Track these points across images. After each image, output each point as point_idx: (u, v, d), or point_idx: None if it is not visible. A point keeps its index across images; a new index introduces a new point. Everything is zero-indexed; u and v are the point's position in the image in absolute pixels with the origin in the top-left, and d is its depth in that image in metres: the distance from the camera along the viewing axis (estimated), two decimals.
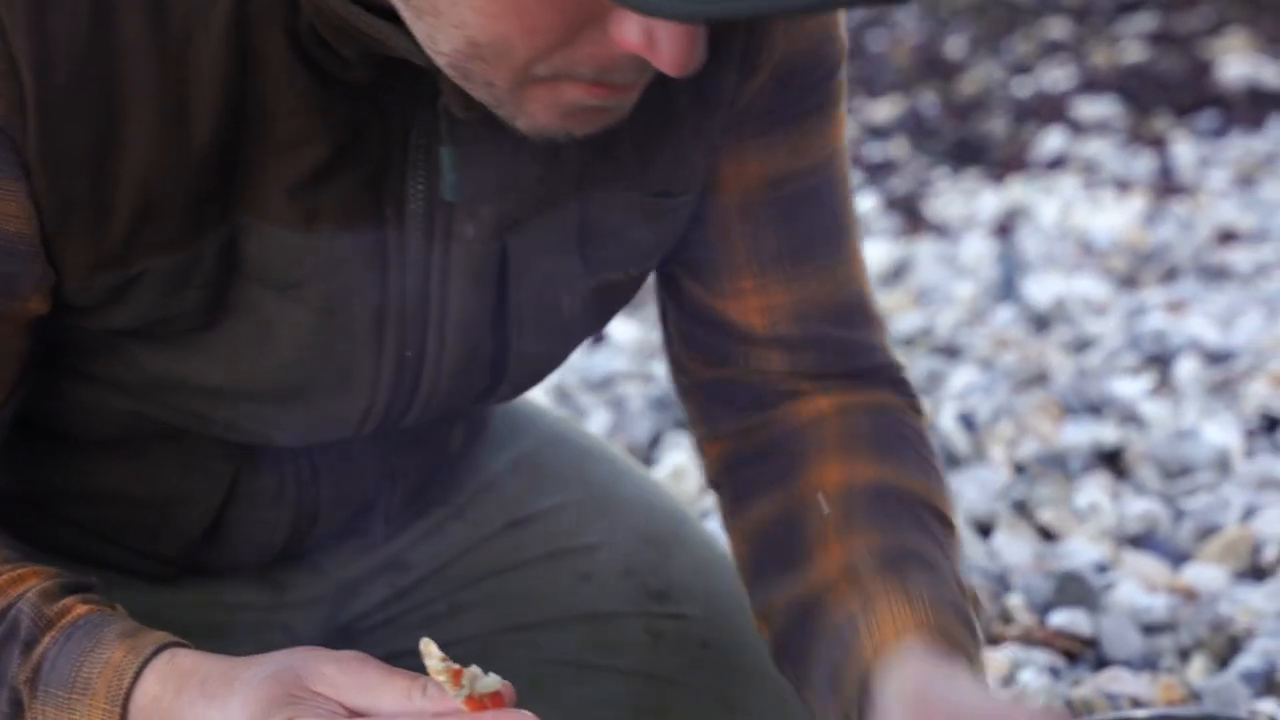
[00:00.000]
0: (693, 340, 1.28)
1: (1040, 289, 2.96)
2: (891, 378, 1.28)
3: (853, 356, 1.26)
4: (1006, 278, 3.00)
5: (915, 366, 2.66)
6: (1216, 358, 2.64)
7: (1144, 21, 4.60)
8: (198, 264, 1.14)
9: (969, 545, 2.08)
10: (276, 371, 1.18)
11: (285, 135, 1.12)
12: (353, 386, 1.20)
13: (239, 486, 1.29)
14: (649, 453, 2.41)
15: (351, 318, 1.17)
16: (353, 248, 1.15)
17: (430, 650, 1.05)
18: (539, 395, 2.24)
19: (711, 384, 1.29)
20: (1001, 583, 1.99)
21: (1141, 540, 2.09)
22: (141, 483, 1.28)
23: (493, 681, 1.04)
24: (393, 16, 1.07)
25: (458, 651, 1.36)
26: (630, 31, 1.00)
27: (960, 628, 1.15)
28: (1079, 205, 3.40)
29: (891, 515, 1.19)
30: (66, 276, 1.12)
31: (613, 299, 1.26)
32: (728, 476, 1.29)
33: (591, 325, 1.28)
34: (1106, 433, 2.37)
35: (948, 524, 1.22)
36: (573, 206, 1.20)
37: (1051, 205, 3.41)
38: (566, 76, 1.03)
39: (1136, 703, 1.71)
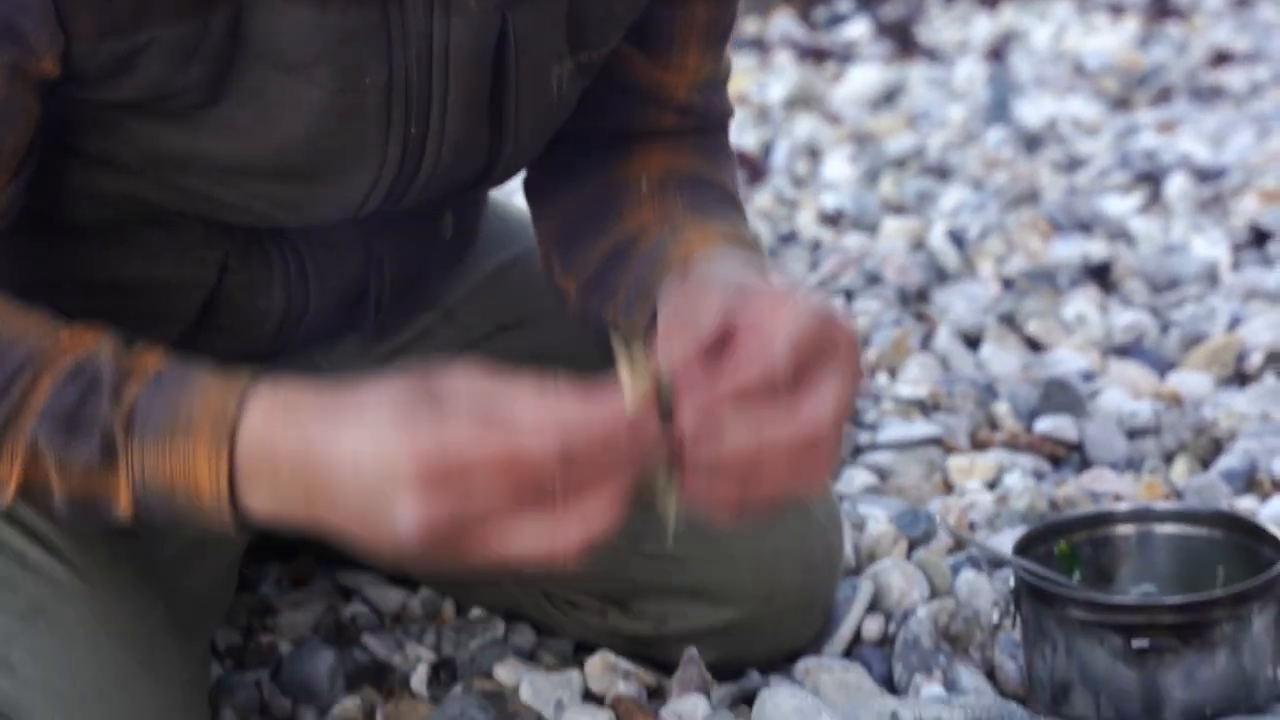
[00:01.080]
0: (595, 105, 1.33)
1: (1032, 110, 2.96)
2: (722, 129, 1.40)
3: (714, 113, 1.38)
4: (998, 100, 3.00)
5: (906, 186, 2.67)
6: (1207, 175, 2.65)
7: None
8: (204, 36, 1.14)
9: (957, 355, 2.10)
10: (285, 149, 1.19)
11: None
12: (360, 164, 1.21)
13: (229, 273, 1.30)
14: None
15: (361, 95, 1.18)
16: (361, 24, 1.16)
17: (622, 357, 1.07)
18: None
19: (569, 156, 1.36)
20: (989, 391, 2.01)
21: (1128, 350, 2.11)
22: (133, 270, 1.29)
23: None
24: None
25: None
26: None
27: (757, 246, 1.25)
28: (1072, 28, 3.39)
29: (704, 190, 1.31)
30: (75, 41, 1.12)
31: (581, 79, 1.29)
32: (564, 231, 1.36)
33: (565, 110, 1.30)
34: (1095, 248, 2.38)
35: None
36: None
37: (1045, 29, 3.40)
38: None
39: (1119, 500, 1.73)
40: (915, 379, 2.03)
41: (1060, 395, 1.96)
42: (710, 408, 1.06)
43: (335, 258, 1.35)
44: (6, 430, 1.10)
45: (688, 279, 1.16)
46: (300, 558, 1.63)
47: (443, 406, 1.03)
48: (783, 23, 3.51)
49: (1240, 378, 2.03)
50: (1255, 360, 2.03)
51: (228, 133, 1.18)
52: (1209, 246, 2.37)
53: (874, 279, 2.33)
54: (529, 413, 1.02)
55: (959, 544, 1.65)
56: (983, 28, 3.46)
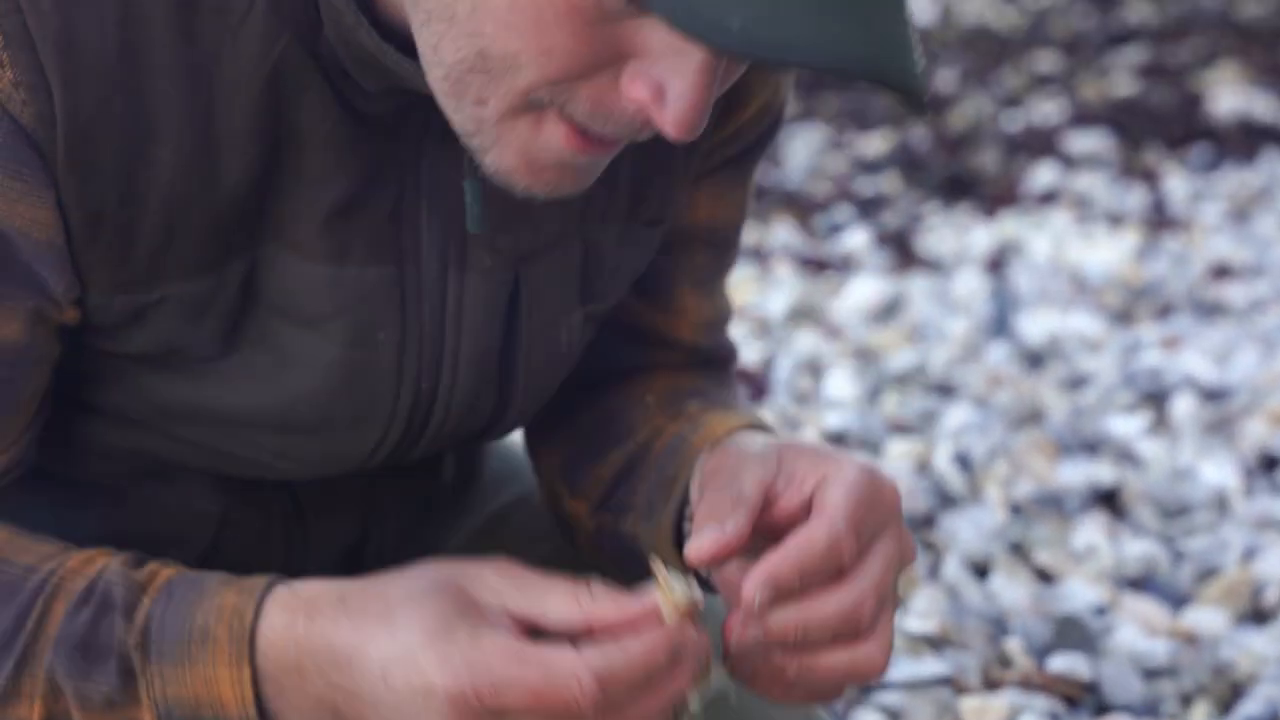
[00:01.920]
0: (608, 357, 1.32)
1: (1034, 325, 2.94)
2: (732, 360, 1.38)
3: (719, 352, 1.36)
4: (999, 314, 2.98)
5: (909, 405, 2.64)
6: (1213, 395, 2.62)
7: (1134, 54, 4.59)
8: (220, 292, 1.13)
9: (966, 587, 2.05)
10: (295, 403, 1.17)
11: (316, 168, 1.11)
12: (369, 420, 1.19)
13: (228, 527, 1.27)
14: None
15: (374, 352, 1.16)
16: (378, 280, 1.15)
17: (659, 569, 1.05)
18: None
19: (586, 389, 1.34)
20: (999, 625, 1.97)
21: (1140, 582, 2.07)
22: (130, 526, 1.27)
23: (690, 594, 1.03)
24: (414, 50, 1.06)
25: None
26: (642, 84, 1.00)
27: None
28: (1071, 240, 3.39)
29: (714, 395, 1.29)
30: (91, 292, 1.11)
31: (589, 330, 1.28)
32: (572, 455, 1.33)
33: (572, 360, 1.29)
34: (1103, 472, 2.35)
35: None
36: (576, 239, 1.21)
37: (1044, 240, 3.40)
38: (560, 108, 1.02)
39: None
40: (924, 612, 1.99)
41: (1073, 632, 1.92)
42: (778, 582, 1.03)
43: (335, 510, 1.33)
44: (25, 667, 1.08)
45: (717, 454, 1.15)
46: None
47: (476, 621, 1.01)
48: (782, 233, 3.51)
49: (1257, 614, 1.99)
50: (1271, 596, 1.99)
51: (237, 386, 1.16)
52: (1218, 471, 2.34)
53: None
54: (563, 627, 1.02)
55: None
56: (981, 237, 3.46)
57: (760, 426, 1.22)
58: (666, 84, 0.99)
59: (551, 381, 1.28)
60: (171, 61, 1.08)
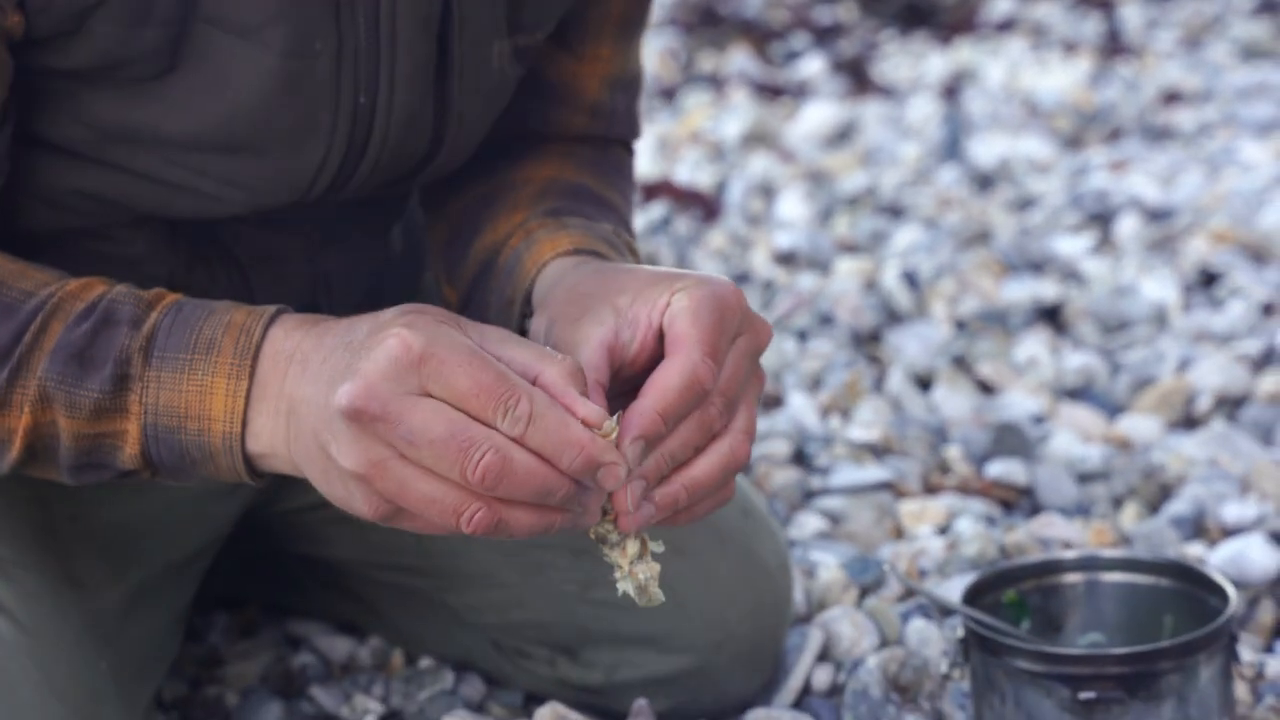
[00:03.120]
0: (511, 108, 1.35)
1: (985, 149, 2.97)
2: (627, 150, 1.41)
3: (624, 123, 1.40)
4: (951, 138, 3.01)
5: (859, 226, 2.68)
6: (1157, 215, 2.66)
7: None
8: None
9: (909, 398, 2.10)
10: (236, 119, 1.19)
11: None
12: (310, 135, 1.22)
13: (174, 287, 1.30)
14: None
15: (312, 61, 1.19)
16: None
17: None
18: None
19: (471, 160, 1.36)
20: (940, 434, 2.02)
21: (1079, 393, 2.12)
22: None
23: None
24: None
25: None
26: None
27: (605, 243, 1.26)
28: (1026, 67, 3.41)
29: (580, 199, 1.33)
30: None
31: (518, 66, 1.30)
32: (459, 214, 1.36)
33: (505, 93, 1.32)
34: (1047, 289, 2.39)
35: (629, 227, 1.36)
36: None
37: (998, 67, 3.41)
38: None
39: (1068, 546, 1.74)
40: (868, 422, 2.04)
41: (1011, 439, 1.97)
42: (649, 431, 1.06)
43: (281, 275, 1.35)
44: (18, 376, 1.11)
45: (550, 296, 1.18)
46: (248, 606, 1.63)
47: (451, 327, 1.03)
48: (739, 59, 3.52)
49: (1189, 421, 2.04)
50: (1204, 404, 2.04)
51: (180, 103, 1.18)
52: (1159, 288, 2.38)
53: (827, 320, 2.34)
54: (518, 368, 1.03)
55: (909, 592, 1.66)
56: (936, 65, 3.47)
57: (589, 245, 1.24)
58: None
59: (485, 109, 1.30)
60: None
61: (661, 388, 1.06)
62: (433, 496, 1.02)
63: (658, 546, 1.09)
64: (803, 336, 2.30)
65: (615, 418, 1.05)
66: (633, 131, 1.42)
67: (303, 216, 1.33)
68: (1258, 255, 2.48)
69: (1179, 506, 1.81)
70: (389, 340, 1.02)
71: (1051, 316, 2.34)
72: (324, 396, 1.04)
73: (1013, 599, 1.46)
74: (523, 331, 1.23)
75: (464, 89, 1.26)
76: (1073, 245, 2.57)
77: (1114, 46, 3.56)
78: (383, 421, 1.01)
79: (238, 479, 1.11)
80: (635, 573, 1.08)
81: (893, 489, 1.89)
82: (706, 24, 3.73)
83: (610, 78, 1.37)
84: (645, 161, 2.95)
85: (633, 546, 1.08)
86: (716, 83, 3.40)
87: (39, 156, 1.21)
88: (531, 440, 1.01)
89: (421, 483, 1.02)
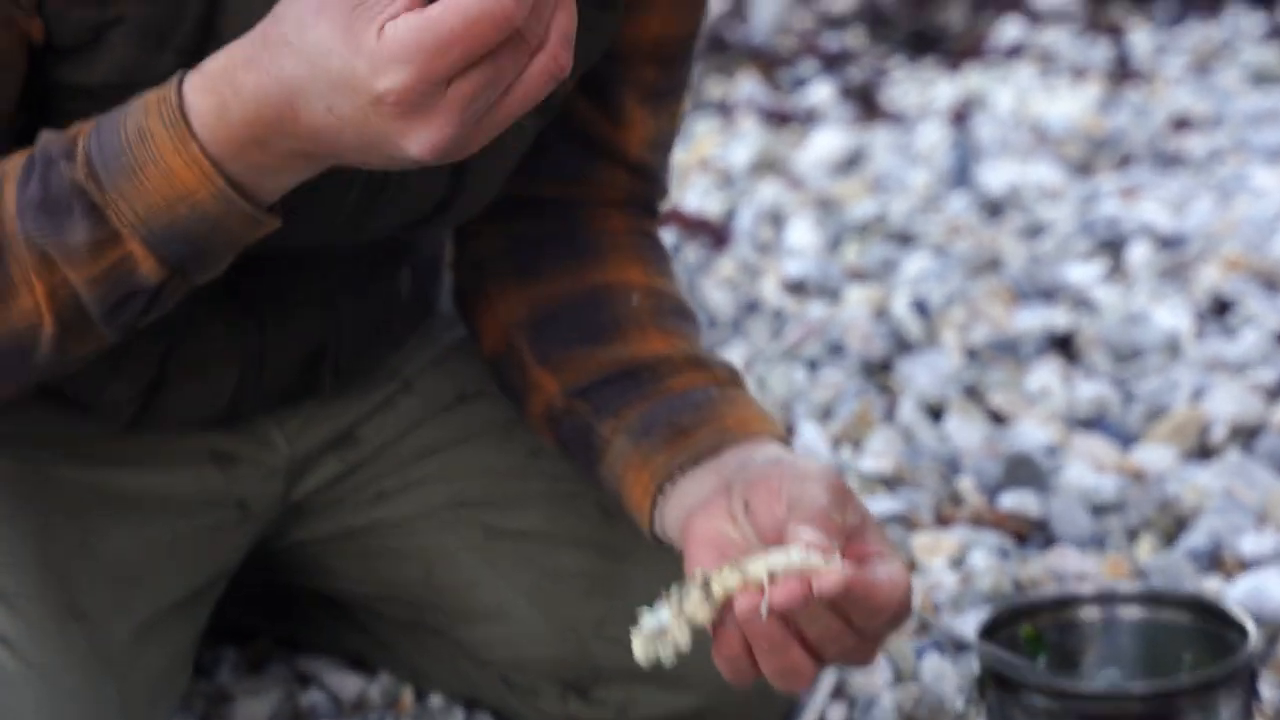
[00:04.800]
0: (551, 158, 1.36)
1: (994, 176, 2.96)
2: (661, 201, 1.43)
3: (661, 182, 1.41)
4: (961, 165, 3.00)
5: (869, 253, 2.66)
6: (1168, 243, 2.65)
7: None
8: (179, 22, 1.14)
9: (920, 428, 2.09)
10: None
11: None
12: (328, 177, 1.18)
13: (184, 328, 1.29)
14: None
15: None
16: None
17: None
18: None
19: (522, 199, 1.37)
20: (952, 465, 2.00)
21: (1092, 423, 2.11)
22: None
23: None
24: None
25: (412, 525, 1.38)
26: None
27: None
28: (1035, 93, 3.40)
29: (685, 317, 1.35)
30: (46, 3, 1.11)
31: (537, 116, 1.30)
32: (511, 252, 1.37)
33: (522, 143, 1.31)
34: (1058, 317, 2.38)
35: None
36: None
37: (1007, 93, 3.40)
38: None
39: (1083, 580, 1.73)
40: (879, 452, 2.03)
41: (1024, 470, 1.95)
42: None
43: (294, 315, 1.34)
44: (4, 253, 1.08)
45: (758, 472, 1.18)
46: (258, 640, 1.61)
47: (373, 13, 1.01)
48: (747, 85, 3.52)
49: (1204, 452, 2.03)
50: (1219, 434, 2.03)
51: None
52: (1171, 315, 2.37)
53: (837, 349, 2.33)
54: None
55: (924, 626, 1.64)
56: (945, 91, 3.46)
57: (785, 441, 1.27)
58: None
59: (503, 162, 1.30)
60: None
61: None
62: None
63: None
64: (813, 366, 2.29)
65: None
66: (665, 190, 1.43)
67: (322, 259, 1.32)
68: (1271, 283, 2.47)
69: (1195, 539, 1.79)
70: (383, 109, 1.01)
71: (1063, 345, 2.33)
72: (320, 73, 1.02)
73: (1030, 634, 1.44)
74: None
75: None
76: (1084, 273, 2.56)
77: (1123, 72, 3.55)
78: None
79: (258, 225, 1.08)
80: (674, 626, 1.07)
81: (905, 521, 1.88)
82: (714, 50, 3.72)
83: (650, 140, 1.37)
84: None
85: (693, 598, 1.07)
86: (725, 109, 3.39)
87: None
88: None
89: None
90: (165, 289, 1.11)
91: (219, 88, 1.06)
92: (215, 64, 1.07)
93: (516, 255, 1.39)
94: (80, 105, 1.16)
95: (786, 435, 1.29)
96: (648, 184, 1.41)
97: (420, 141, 1.03)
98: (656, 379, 1.30)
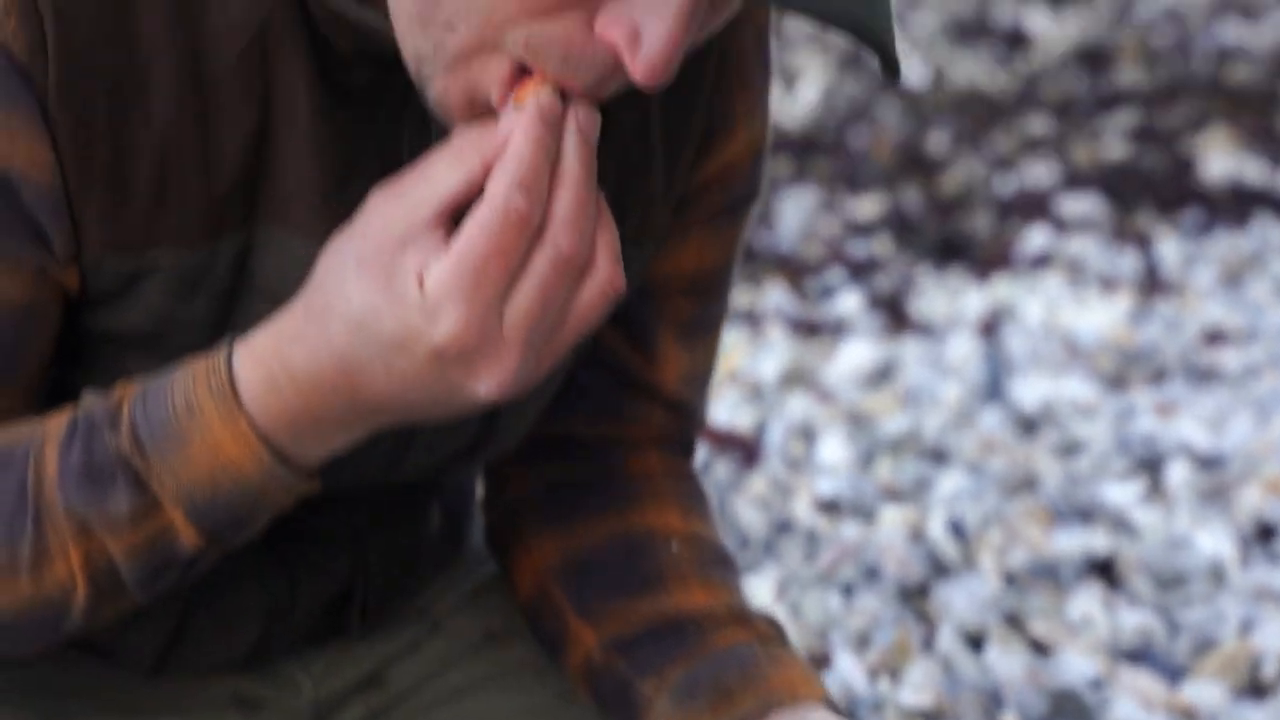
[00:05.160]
0: (585, 395, 1.32)
1: (1027, 390, 2.93)
2: (697, 435, 1.39)
3: (699, 416, 1.37)
4: (993, 379, 2.97)
5: (902, 470, 2.63)
6: (1208, 463, 2.61)
7: (1125, 117, 4.59)
8: (212, 268, 1.11)
9: (960, 659, 2.03)
10: None
11: (303, 141, 1.11)
12: None
13: (208, 575, 1.26)
14: None
15: None
16: None
17: None
18: None
19: (555, 438, 1.34)
20: (994, 698, 1.95)
21: (1137, 654, 2.05)
22: None
23: None
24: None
25: None
26: (617, 26, 0.99)
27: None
28: (1064, 304, 3.38)
29: (726, 565, 1.31)
30: (83, 251, 1.09)
31: (573, 350, 1.25)
32: (546, 496, 1.33)
33: (557, 379, 1.28)
34: (1098, 540, 2.33)
35: None
36: None
37: (1036, 304, 3.39)
38: (532, 56, 1.01)
39: None
40: (918, 684, 1.97)
41: (1069, 706, 1.90)
42: None
43: (321, 559, 1.31)
44: (43, 519, 1.07)
45: None
46: None
47: (408, 243, 1.01)
48: (775, 295, 3.50)
49: (1256, 688, 1.97)
50: (1270, 670, 1.98)
51: None
52: (1214, 541, 2.32)
53: (872, 572, 2.28)
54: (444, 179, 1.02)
55: None
56: (974, 301, 3.45)
57: (831, 703, 1.23)
58: (643, 25, 0.99)
59: (537, 398, 1.27)
60: (161, 12, 1.07)
61: None
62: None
63: None
64: (848, 591, 2.24)
65: None
66: (702, 424, 1.39)
67: (351, 497, 1.29)
68: None
69: None
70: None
71: (1104, 569, 2.28)
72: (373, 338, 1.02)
73: None
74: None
75: None
76: (1122, 493, 2.51)
77: (1153, 283, 3.54)
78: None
79: (299, 491, 1.08)
80: None
81: None
82: (741, 259, 3.72)
83: (686, 375, 1.33)
84: None
85: None
86: (752, 319, 3.37)
87: None
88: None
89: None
90: (202, 556, 1.10)
91: (268, 362, 1.05)
92: (262, 340, 1.06)
93: (552, 500, 1.36)
94: (108, 351, 1.14)
95: (831, 698, 1.24)
96: (684, 420, 1.38)
97: (488, 382, 1.01)
98: (700, 634, 1.26)
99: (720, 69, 1.26)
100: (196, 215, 1.10)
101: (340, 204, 1.12)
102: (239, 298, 1.13)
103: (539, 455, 1.36)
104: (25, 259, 1.09)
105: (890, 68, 1.00)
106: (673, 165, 1.25)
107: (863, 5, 0.98)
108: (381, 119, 1.14)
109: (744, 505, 2.51)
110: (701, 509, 1.36)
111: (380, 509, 1.33)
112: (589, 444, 1.36)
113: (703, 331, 1.35)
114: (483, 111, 1.05)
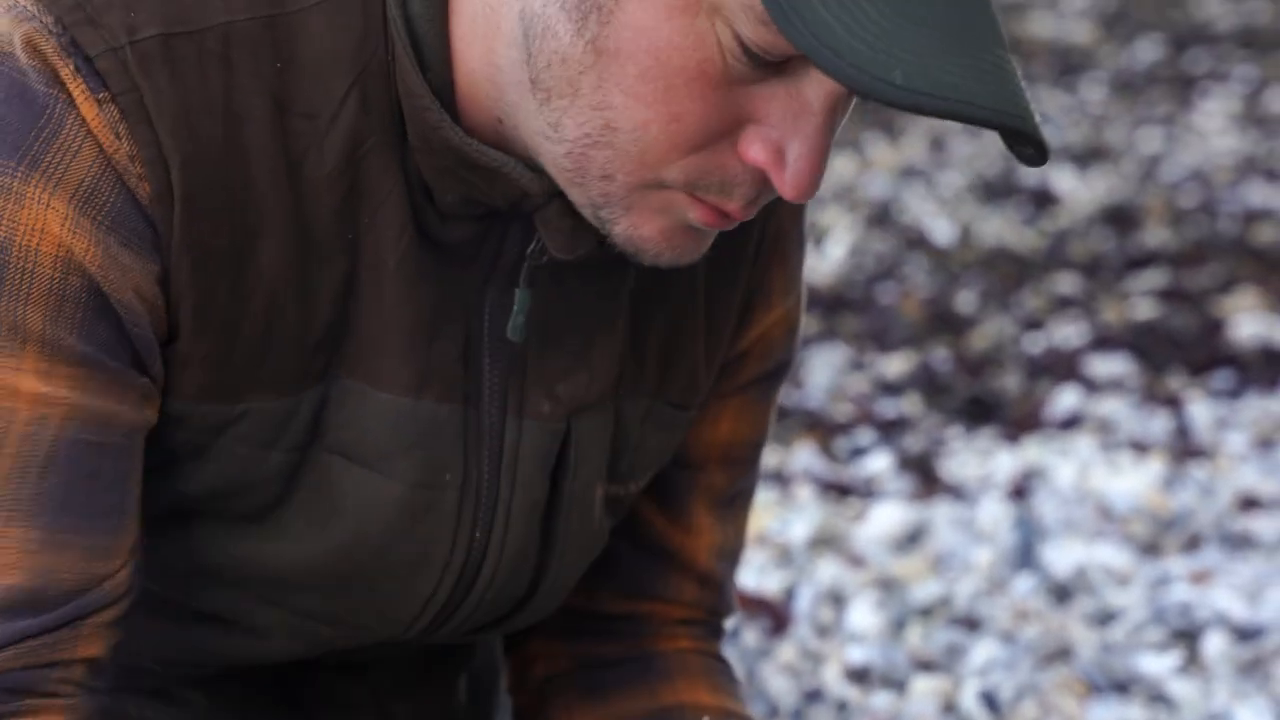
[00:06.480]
0: (618, 569, 1.31)
1: (1060, 556, 2.90)
2: (727, 619, 1.39)
3: (729, 595, 1.37)
4: (1025, 544, 2.94)
5: (934, 638, 2.59)
6: (1246, 634, 2.57)
7: (1154, 277, 4.59)
8: (293, 418, 1.11)
9: None
10: (357, 549, 1.14)
11: (392, 291, 1.11)
12: (425, 567, 1.17)
13: None
14: None
15: (441, 492, 1.15)
16: (449, 419, 1.14)
17: None
18: None
19: (586, 614, 1.33)
20: None
21: None
22: None
23: None
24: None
25: None
26: (761, 147, 1.03)
27: None
28: (1096, 467, 3.35)
29: None
30: (174, 395, 1.09)
31: (609, 514, 1.26)
32: (579, 675, 1.32)
33: (599, 542, 1.27)
34: (1134, 713, 2.29)
35: None
36: (610, 406, 1.21)
37: (1068, 467, 3.36)
38: (690, 188, 1.04)
39: None
40: None
41: None
42: None
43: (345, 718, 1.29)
44: None
45: None
46: None
47: None
48: (804, 455, 3.48)
49: None
50: None
51: (293, 530, 1.13)
52: (1254, 717, 2.27)
53: None
54: None
55: None
56: (1005, 463, 3.42)
57: None
58: (786, 146, 1.02)
59: (582, 559, 1.26)
60: (268, 160, 1.08)
61: None
62: None
63: None
64: None
65: None
66: (733, 607, 1.37)
67: (379, 662, 1.27)
68: None
69: None
70: None
71: None
72: None
73: None
74: None
75: (569, 530, 1.23)
76: (1158, 664, 2.47)
77: (1185, 447, 3.51)
78: None
79: None
80: None
81: None
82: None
83: (718, 548, 1.33)
84: None
85: None
86: (782, 479, 3.35)
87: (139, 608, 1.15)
88: None
89: None
90: None
91: None
92: None
93: (583, 677, 1.34)
94: (171, 518, 1.12)
95: None
96: (715, 596, 1.37)
97: None
98: None
99: (760, 244, 1.26)
100: (289, 362, 1.10)
101: (422, 362, 1.12)
102: (311, 454, 1.12)
103: (568, 632, 1.34)
104: (133, 376, 1.07)
105: (1040, 151, 1.00)
106: (714, 334, 1.25)
107: (1014, 98, 0.97)
108: (470, 275, 1.14)
109: (772, 672, 2.47)
110: (732, 688, 1.35)
111: (407, 674, 1.32)
112: (619, 620, 1.34)
113: (735, 504, 1.34)
114: (675, 235, 1.07)
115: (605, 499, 1.25)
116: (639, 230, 1.06)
